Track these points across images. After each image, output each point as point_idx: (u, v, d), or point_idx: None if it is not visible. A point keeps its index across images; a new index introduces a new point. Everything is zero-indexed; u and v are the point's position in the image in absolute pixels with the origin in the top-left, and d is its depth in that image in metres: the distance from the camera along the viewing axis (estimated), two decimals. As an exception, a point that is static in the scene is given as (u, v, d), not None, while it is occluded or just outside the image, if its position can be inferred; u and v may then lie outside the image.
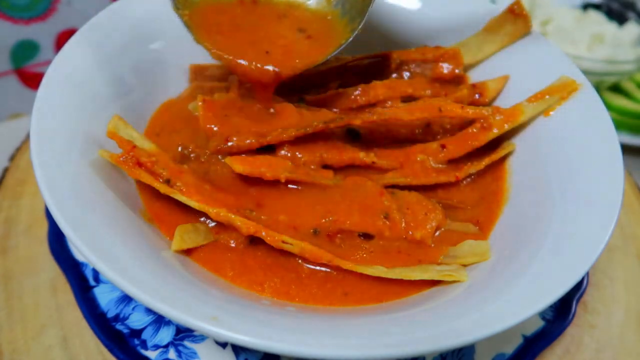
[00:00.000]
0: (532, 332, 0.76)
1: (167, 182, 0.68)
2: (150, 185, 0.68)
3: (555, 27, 1.45)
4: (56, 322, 0.76)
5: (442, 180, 0.77)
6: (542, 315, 0.78)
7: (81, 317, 0.74)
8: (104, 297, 0.76)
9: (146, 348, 0.71)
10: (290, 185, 0.73)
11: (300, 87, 0.91)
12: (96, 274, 0.78)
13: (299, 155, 0.75)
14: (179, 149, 0.76)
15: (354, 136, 0.81)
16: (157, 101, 0.88)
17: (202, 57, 0.94)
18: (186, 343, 0.72)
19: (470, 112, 0.80)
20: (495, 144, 0.82)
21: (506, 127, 0.79)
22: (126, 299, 0.76)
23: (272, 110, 0.78)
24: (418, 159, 0.79)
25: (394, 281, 0.66)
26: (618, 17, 1.50)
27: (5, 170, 0.96)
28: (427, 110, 0.79)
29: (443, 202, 0.76)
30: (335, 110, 0.84)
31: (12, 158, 0.98)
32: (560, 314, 0.77)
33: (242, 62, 0.74)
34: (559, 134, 0.78)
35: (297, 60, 0.75)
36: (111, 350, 0.70)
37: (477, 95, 0.87)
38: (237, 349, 0.72)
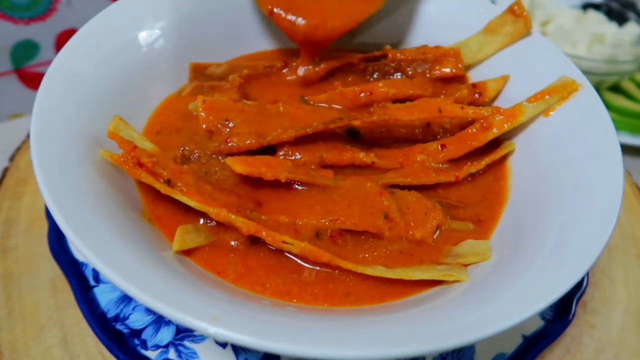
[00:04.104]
0: (532, 332, 0.76)
1: (168, 182, 0.68)
2: (151, 185, 0.68)
3: (555, 27, 1.45)
4: (56, 322, 0.76)
5: (442, 180, 0.77)
6: (542, 315, 0.78)
7: (81, 317, 0.74)
8: (104, 297, 0.76)
9: (146, 348, 0.71)
10: (290, 186, 0.73)
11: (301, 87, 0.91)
12: (96, 274, 0.78)
13: (299, 156, 0.75)
14: (180, 149, 0.76)
15: (354, 136, 0.82)
16: (157, 100, 0.88)
17: (202, 55, 0.95)
18: (186, 343, 0.72)
19: (470, 112, 0.80)
20: (495, 143, 0.82)
21: (506, 127, 0.79)
22: (126, 299, 0.76)
23: (272, 109, 0.78)
24: (418, 159, 0.79)
25: (395, 281, 0.66)
26: (618, 17, 1.50)
27: (5, 170, 0.96)
28: (427, 111, 0.79)
29: (443, 201, 0.76)
30: (335, 106, 0.84)
31: (12, 158, 0.98)
32: (560, 314, 0.77)
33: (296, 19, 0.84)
34: (559, 134, 0.78)
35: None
36: (111, 350, 0.70)
37: (477, 95, 0.87)
38: (237, 349, 0.72)
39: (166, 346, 0.72)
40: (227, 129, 0.75)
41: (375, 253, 0.69)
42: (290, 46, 1.00)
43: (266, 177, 0.70)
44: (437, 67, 0.91)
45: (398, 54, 0.92)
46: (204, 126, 0.75)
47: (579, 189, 0.69)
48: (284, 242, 0.65)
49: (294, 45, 0.95)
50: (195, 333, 0.73)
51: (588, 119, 0.76)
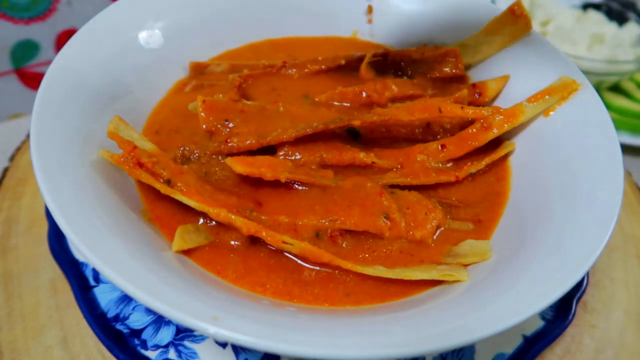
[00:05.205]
0: (532, 332, 0.76)
1: (168, 182, 0.68)
2: (151, 185, 0.68)
3: (555, 27, 1.45)
4: (56, 322, 0.76)
5: (442, 180, 0.77)
6: (542, 315, 0.78)
7: (81, 317, 0.74)
8: (104, 297, 0.76)
9: (146, 348, 0.71)
10: (290, 186, 0.73)
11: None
12: (96, 274, 0.78)
13: (299, 156, 0.75)
14: (180, 149, 0.76)
15: (354, 136, 0.82)
16: (156, 100, 0.88)
17: (202, 54, 0.95)
18: (186, 343, 0.72)
19: (470, 112, 0.80)
20: (495, 143, 0.82)
21: (506, 127, 0.79)
22: (126, 299, 0.76)
23: (272, 109, 0.78)
24: (418, 159, 0.79)
25: (395, 281, 0.66)
26: (618, 17, 1.50)
27: (5, 170, 0.96)
28: (427, 111, 0.79)
29: (443, 201, 0.76)
30: (337, 103, 0.84)
31: (12, 158, 0.98)
32: (560, 314, 0.77)
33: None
34: (559, 134, 0.78)
35: None
36: (111, 350, 0.70)
37: (477, 95, 0.87)
38: (237, 349, 0.72)
39: (166, 346, 0.72)
40: (227, 129, 0.75)
41: (376, 253, 0.69)
42: (289, 35, 1.01)
43: (266, 178, 0.70)
44: (437, 67, 0.91)
45: (398, 54, 0.92)
46: (204, 126, 0.75)
47: (579, 189, 0.69)
48: (284, 242, 0.65)
49: (293, 34, 0.96)
50: (195, 333, 0.73)
51: (588, 119, 0.76)
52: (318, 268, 0.68)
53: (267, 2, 1.01)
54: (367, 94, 0.85)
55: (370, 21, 0.93)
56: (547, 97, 0.80)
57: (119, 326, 0.73)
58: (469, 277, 0.65)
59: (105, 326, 0.72)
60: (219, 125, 0.75)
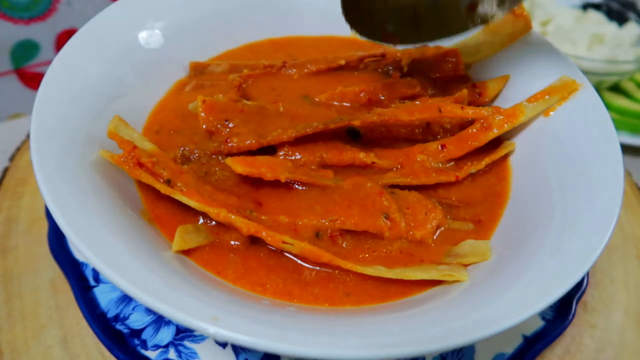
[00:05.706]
0: (532, 332, 0.76)
1: (168, 182, 0.68)
2: (151, 185, 0.68)
3: (555, 27, 1.45)
4: (56, 322, 0.76)
5: (442, 180, 0.77)
6: (542, 315, 0.78)
7: (81, 317, 0.74)
8: (104, 297, 0.76)
9: (146, 348, 0.71)
10: (290, 186, 0.73)
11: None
12: (96, 274, 0.78)
13: (299, 156, 0.75)
14: (180, 149, 0.76)
15: (354, 136, 0.81)
16: (156, 100, 0.88)
17: (202, 54, 0.95)
18: (186, 343, 0.72)
19: (470, 112, 0.80)
20: (496, 143, 0.82)
21: (506, 127, 0.79)
22: (126, 299, 0.76)
23: (272, 109, 0.78)
24: (418, 159, 0.79)
25: (395, 281, 0.66)
26: (618, 17, 1.50)
27: (5, 170, 0.96)
28: (427, 111, 0.79)
29: (443, 201, 0.76)
30: (337, 103, 0.84)
31: (12, 158, 0.98)
32: (560, 314, 0.77)
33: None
34: (559, 134, 0.78)
35: None
36: (111, 350, 0.70)
37: (477, 95, 0.87)
38: (237, 349, 0.72)
39: (166, 346, 0.72)
40: (227, 129, 0.75)
41: (376, 253, 0.69)
42: (289, 35, 1.01)
43: (266, 178, 0.70)
44: (437, 67, 0.90)
45: (398, 54, 0.92)
46: (204, 126, 0.75)
47: (579, 189, 0.69)
48: (284, 242, 0.65)
49: (293, 34, 0.97)
50: (195, 333, 0.73)
51: (588, 119, 0.76)
52: (318, 268, 0.68)
53: (267, 2, 1.01)
54: (367, 94, 0.85)
55: None
56: (547, 97, 0.80)
57: (119, 326, 0.73)
58: (469, 277, 0.65)
59: (105, 326, 0.72)
60: (219, 125, 0.75)
